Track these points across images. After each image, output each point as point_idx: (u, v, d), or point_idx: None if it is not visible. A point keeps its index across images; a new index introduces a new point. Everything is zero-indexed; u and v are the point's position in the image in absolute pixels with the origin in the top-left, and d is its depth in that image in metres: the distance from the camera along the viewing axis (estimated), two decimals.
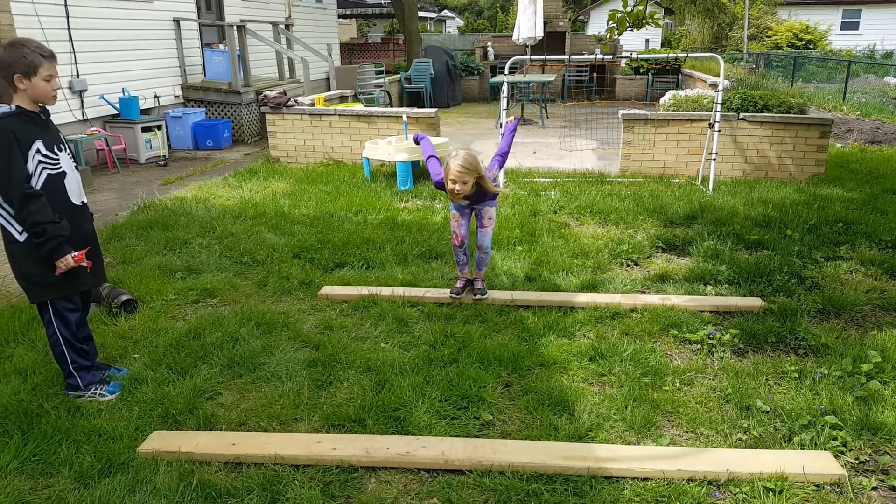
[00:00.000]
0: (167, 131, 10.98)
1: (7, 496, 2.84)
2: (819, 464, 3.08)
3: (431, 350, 4.13)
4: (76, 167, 3.52)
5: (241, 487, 2.90)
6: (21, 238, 3.31)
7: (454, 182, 4.30)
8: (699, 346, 4.27)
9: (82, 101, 9.67)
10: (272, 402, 3.59)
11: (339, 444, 3.16)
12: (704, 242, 6.02)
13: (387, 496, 2.91)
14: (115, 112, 10.15)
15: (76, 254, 3.32)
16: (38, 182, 3.27)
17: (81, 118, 9.64)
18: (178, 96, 11.84)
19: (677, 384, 3.82)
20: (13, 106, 3.25)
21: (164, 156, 10.22)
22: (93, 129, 9.58)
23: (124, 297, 4.68)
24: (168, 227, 6.40)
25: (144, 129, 10.12)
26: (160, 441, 3.17)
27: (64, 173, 3.39)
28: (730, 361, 4.09)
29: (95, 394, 3.60)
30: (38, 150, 3.26)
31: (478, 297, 4.83)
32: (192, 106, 11.90)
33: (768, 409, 3.57)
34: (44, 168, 3.28)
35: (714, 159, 7.95)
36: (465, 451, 3.14)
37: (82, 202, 3.53)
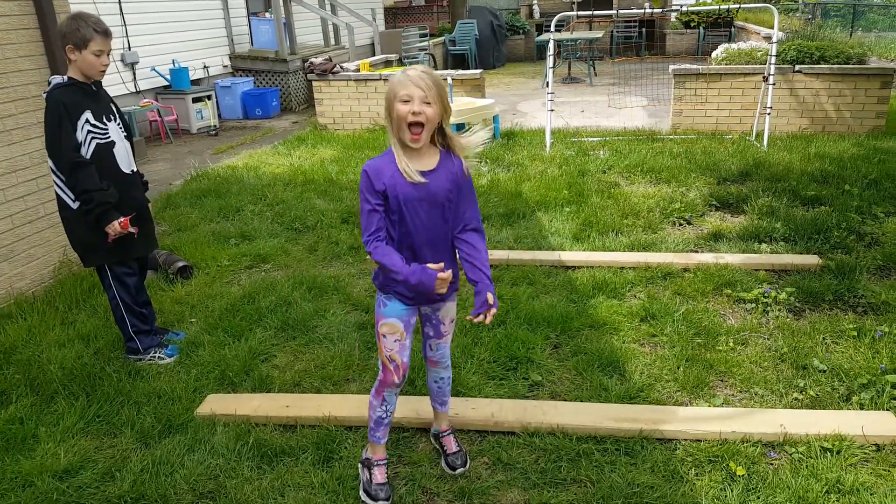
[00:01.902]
0: (217, 101, 11.12)
1: (75, 454, 2.98)
2: (879, 424, 3.00)
3: None
4: (126, 137, 3.61)
5: (296, 447, 2.98)
6: (74, 206, 3.43)
7: (412, 102, 2.32)
8: (754, 304, 4.18)
9: (134, 74, 9.84)
10: (325, 364, 3.66)
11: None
12: (759, 199, 5.86)
13: (437, 454, 2.96)
14: (167, 83, 10.32)
15: (122, 219, 3.41)
16: (87, 151, 3.37)
17: (134, 90, 9.83)
18: (226, 66, 11.95)
19: (731, 344, 3.76)
20: (66, 77, 3.34)
21: (215, 125, 10.37)
22: (145, 100, 9.77)
23: (180, 264, 4.80)
24: (220, 195, 6.52)
25: (195, 100, 10.27)
26: (217, 403, 3.27)
27: (113, 143, 3.48)
28: (785, 320, 4.00)
29: (154, 357, 3.73)
30: (87, 121, 3.35)
31: (457, 468, 2.86)
32: (241, 75, 12.01)
33: (825, 368, 3.49)
34: (93, 137, 3.38)
35: (769, 114, 7.69)
36: (515, 412, 3.15)
37: (132, 171, 3.62)
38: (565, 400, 3.32)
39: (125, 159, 3.56)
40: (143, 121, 9.83)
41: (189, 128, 10.24)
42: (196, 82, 10.96)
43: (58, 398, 3.39)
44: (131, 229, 3.45)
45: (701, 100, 8.61)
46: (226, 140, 9.70)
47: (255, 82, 11.90)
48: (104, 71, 3.42)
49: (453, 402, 3.24)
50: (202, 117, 10.37)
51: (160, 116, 9.66)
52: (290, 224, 5.75)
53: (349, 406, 3.22)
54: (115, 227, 3.38)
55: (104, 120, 3.45)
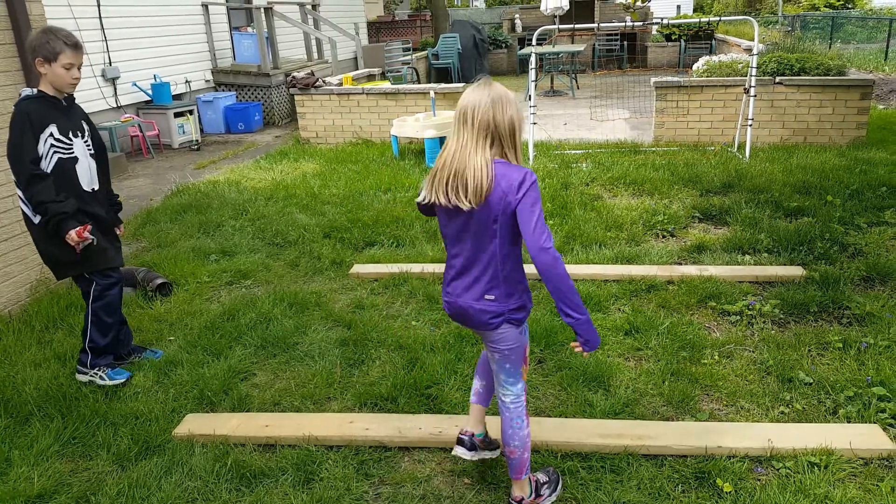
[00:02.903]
0: (199, 116, 11.05)
1: (49, 478, 2.89)
2: (867, 437, 2.98)
3: (461, 327, 4.09)
4: (93, 155, 3.54)
5: (275, 468, 2.91)
6: (36, 220, 3.37)
7: None
8: (738, 317, 4.17)
9: (115, 89, 9.76)
10: (305, 382, 3.60)
11: (371, 423, 3.16)
12: (742, 211, 5.87)
13: (420, 475, 2.90)
14: (148, 98, 10.23)
15: (79, 227, 3.32)
16: (48, 165, 3.31)
17: (115, 105, 9.73)
18: (208, 81, 11.89)
19: (716, 357, 3.73)
20: (35, 90, 3.30)
21: (197, 140, 10.30)
22: (126, 115, 9.68)
23: (159, 281, 4.73)
24: (201, 210, 6.45)
25: (177, 115, 10.19)
26: (195, 423, 3.20)
27: (76, 159, 3.42)
28: (770, 332, 3.99)
29: (97, 375, 3.62)
30: (51, 134, 3.30)
31: None
32: (223, 90, 11.94)
33: (812, 380, 3.47)
34: (55, 152, 3.32)
35: (750, 125, 7.73)
36: (498, 430, 3.09)
37: (93, 189, 3.54)
38: (549, 416, 3.28)
39: (87, 177, 3.49)
40: (124, 136, 9.74)
41: (171, 143, 10.16)
42: (178, 97, 10.88)
43: (32, 420, 3.30)
44: (89, 237, 3.37)
45: (683, 112, 8.64)
46: (208, 155, 9.62)
47: (237, 97, 11.85)
48: (75, 84, 3.37)
49: (435, 420, 3.20)
50: (184, 132, 10.29)
51: (141, 131, 9.57)
52: (271, 239, 5.69)
53: (330, 425, 3.15)
54: (73, 235, 3.30)
55: (70, 136, 3.39)
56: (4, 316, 4.42)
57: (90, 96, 9.16)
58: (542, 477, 2.77)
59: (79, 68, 3.34)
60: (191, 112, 10.43)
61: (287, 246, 5.57)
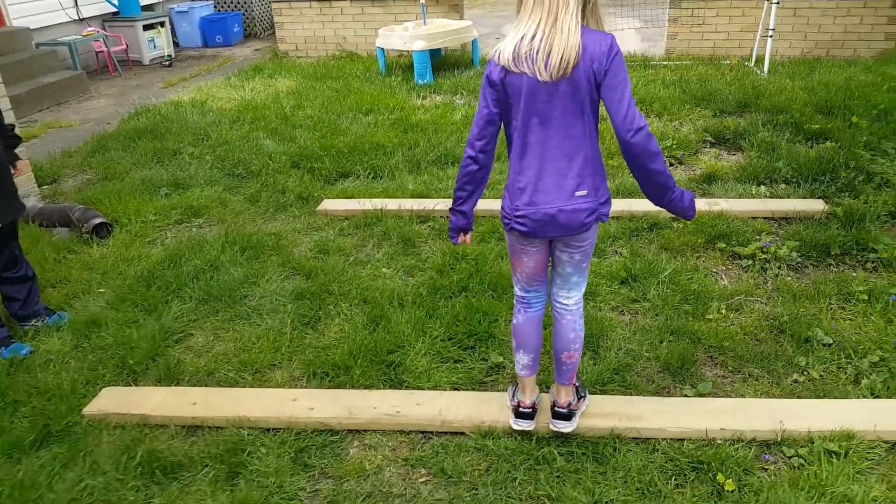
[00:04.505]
0: (173, 28, 10.26)
1: None
2: (894, 416, 2.51)
3: (438, 277, 3.60)
4: None
5: (197, 458, 2.47)
6: None
7: None
8: (750, 261, 3.65)
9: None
10: (248, 346, 3.14)
11: (317, 401, 2.70)
12: (758, 134, 5.25)
13: (369, 465, 2.46)
14: (115, 10, 9.42)
15: None
16: None
17: (77, 17, 8.93)
18: None
19: (723, 311, 3.24)
20: None
21: (170, 55, 9.56)
22: (90, 29, 8.90)
23: (97, 221, 4.21)
24: (158, 135, 5.85)
25: (146, 27, 9.41)
26: (110, 399, 2.75)
27: None
28: (786, 280, 3.48)
29: None
30: None
31: (559, 427, 2.50)
32: None
33: (831, 341, 2.99)
34: None
35: (771, 37, 6.96)
36: (467, 408, 2.65)
37: None
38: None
39: None
40: (87, 52, 8.98)
41: (140, 59, 9.42)
42: (148, 7, 10.05)
43: None
44: None
45: (698, 21, 7.87)
46: (179, 71, 8.91)
47: (215, 6, 10.97)
48: None
49: (393, 397, 2.75)
50: (155, 46, 9.54)
51: (107, 47, 8.83)
52: (231, 169, 5.13)
53: (267, 403, 2.70)
54: None
55: None
56: None
57: (47, 6, 8.41)
58: (576, 380, 2.59)
59: None
60: (162, 24, 9.63)
61: (249, 177, 5.01)
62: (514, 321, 2.52)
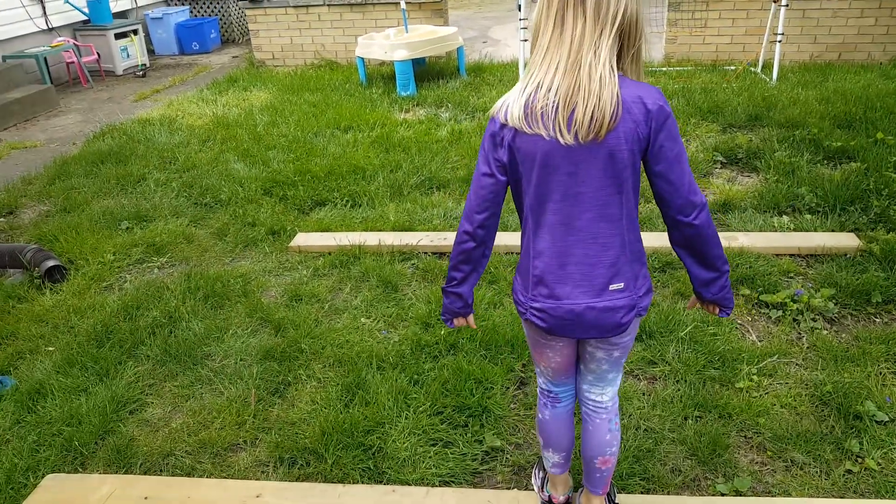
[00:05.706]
0: (148, 35, 9.77)
1: None
2: None
3: (423, 332, 3.16)
4: None
5: None
6: None
7: None
8: (780, 312, 3.22)
9: (44, 8, 8.41)
10: (209, 420, 2.69)
11: (284, 498, 2.26)
12: (775, 154, 4.82)
13: None
14: (85, 18, 8.92)
15: None
16: None
17: (46, 27, 8.42)
18: None
19: (755, 377, 2.80)
20: None
21: (144, 64, 9.07)
22: (59, 39, 8.40)
23: (49, 264, 3.76)
24: (123, 158, 5.38)
25: (119, 36, 8.91)
26: (53, 493, 2.33)
27: None
28: (823, 335, 3.05)
29: None
30: None
31: None
32: (175, 4, 10.58)
33: (887, 418, 2.56)
34: None
35: (780, 41, 6.54)
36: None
37: None
38: (528, 488, 2.38)
39: None
40: (58, 63, 8.47)
41: (113, 69, 8.92)
42: (121, 14, 9.55)
43: None
44: None
45: (699, 24, 7.43)
46: (153, 82, 8.42)
47: (191, 11, 10.48)
48: None
49: (372, 493, 2.30)
50: (128, 55, 9.05)
51: (78, 57, 8.33)
52: (198, 198, 4.66)
53: (228, 499, 2.27)
54: None
55: None
56: None
57: (14, 17, 7.90)
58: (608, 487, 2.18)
59: None
60: (135, 32, 9.13)
61: (217, 207, 4.55)
62: (540, 416, 2.07)
